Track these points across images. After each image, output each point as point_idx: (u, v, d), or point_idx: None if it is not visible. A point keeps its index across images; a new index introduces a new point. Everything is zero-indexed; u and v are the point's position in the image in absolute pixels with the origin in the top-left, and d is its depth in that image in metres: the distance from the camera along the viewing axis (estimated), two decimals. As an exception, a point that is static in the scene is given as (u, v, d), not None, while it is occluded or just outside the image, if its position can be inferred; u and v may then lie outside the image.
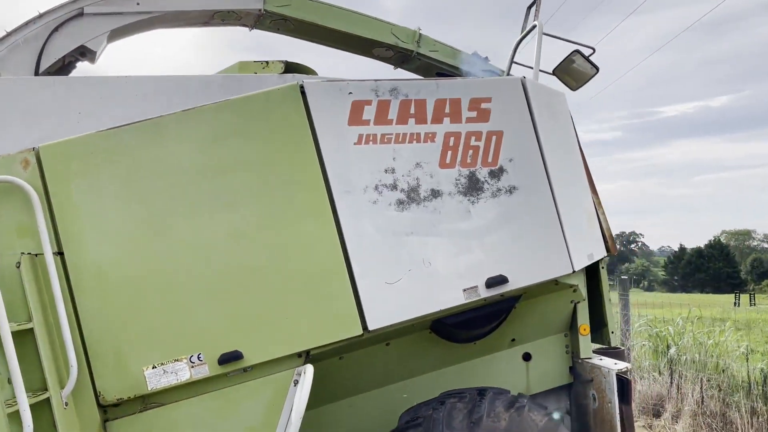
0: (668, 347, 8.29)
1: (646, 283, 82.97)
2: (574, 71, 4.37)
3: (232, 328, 3.27)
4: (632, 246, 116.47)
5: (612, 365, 3.67)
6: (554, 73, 4.47)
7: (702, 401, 6.98)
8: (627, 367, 3.66)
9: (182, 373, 3.27)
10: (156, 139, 3.28)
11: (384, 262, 3.37)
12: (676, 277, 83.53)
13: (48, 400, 3.05)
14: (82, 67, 4.26)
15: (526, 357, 3.95)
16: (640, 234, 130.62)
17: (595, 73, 4.37)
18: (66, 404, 3.16)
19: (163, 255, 3.24)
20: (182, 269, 3.25)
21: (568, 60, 4.33)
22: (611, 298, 4.17)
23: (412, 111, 3.45)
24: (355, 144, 3.38)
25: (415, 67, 4.86)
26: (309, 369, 2.96)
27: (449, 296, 3.43)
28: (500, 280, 3.45)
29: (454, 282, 3.43)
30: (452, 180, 3.48)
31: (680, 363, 7.81)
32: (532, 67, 4.08)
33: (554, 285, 3.69)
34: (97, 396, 3.21)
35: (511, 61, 4.52)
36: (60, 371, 3.17)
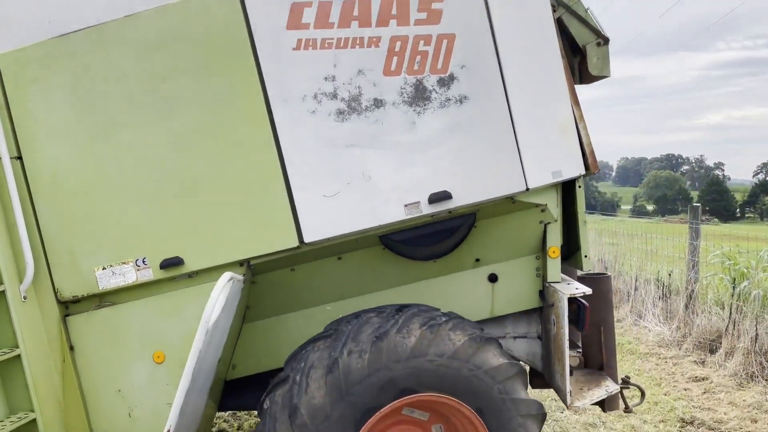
0: (736, 281, 7.64)
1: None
2: None
3: (173, 234, 3.33)
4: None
5: (569, 289, 3.41)
6: None
7: (756, 339, 6.43)
8: (584, 293, 3.39)
9: (129, 275, 3.40)
10: (101, 45, 3.30)
11: (322, 174, 3.27)
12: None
13: (4, 292, 3.28)
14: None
15: (492, 278, 3.76)
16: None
17: None
18: (25, 298, 3.38)
19: (109, 161, 3.32)
20: (127, 175, 3.32)
21: None
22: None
23: (356, 13, 3.23)
24: (293, 50, 3.23)
25: None
26: (224, 276, 2.96)
27: (389, 211, 3.29)
28: (443, 196, 3.27)
29: (395, 197, 3.29)
30: (397, 89, 3.27)
31: (747, 299, 7.19)
32: None
33: (512, 203, 3.44)
34: (55, 292, 3.41)
35: None
36: (20, 268, 3.38)
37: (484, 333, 3.09)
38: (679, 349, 7.42)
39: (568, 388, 3.30)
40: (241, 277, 3.23)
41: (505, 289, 3.75)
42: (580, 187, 3.64)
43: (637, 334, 8.24)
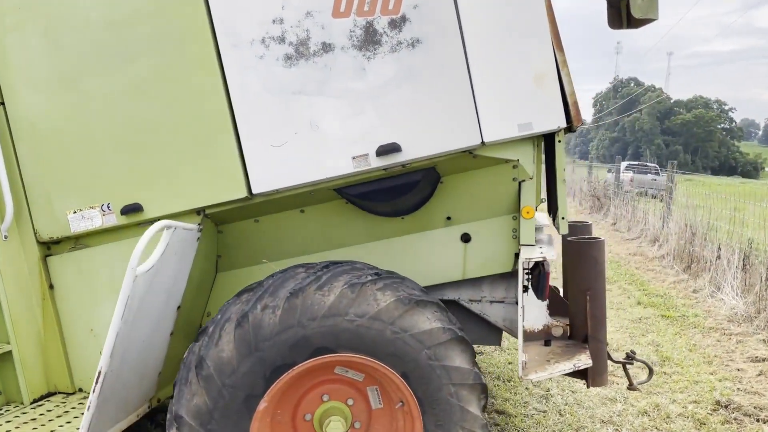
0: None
1: None
2: None
3: (133, 181, 3.37)
4: None
5: (530, 253, 3.12)
6: None
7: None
8: (544, 258, 3.08)
9: (96, 220, 3.49)
10: None
11: (270, 123, 3.16)
12: None
13: (-22, 230, 3.48)
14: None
15: (465, 238, 3.51)
16: None
17: None
18: (6, 237, 3.57)
19: (77, 107, 3.39)
20: (92, 121, 3.38)
21: None
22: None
23: (304, -49, 3.05)
24: (242, -8, 3.11)
25: None
26: (154, 226, 2.95)
27: (337, 164, 3.14)
28: (391, 148, 3.06)
29: (343, 148, 3.12)
30: (346, 32, 3.07)
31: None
32: None
33: (473, 158, 3.17)
34: (35, 234, 3.57)
35: None
36: (1, 209, 3.56)
37: (417, 295, 2.90)
38: (750, 324, 6.74)
39: (521, 358, 3.05)
40: (187, 226, 3.22)
41: (479, 250, 3.50)
42: (560, 141, 3.30)
43: (710, 307, 7.57)
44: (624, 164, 36.43)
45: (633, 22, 3.47)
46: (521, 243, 3.36)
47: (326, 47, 3.09)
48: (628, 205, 15.17)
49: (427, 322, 2.83)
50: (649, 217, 12.99)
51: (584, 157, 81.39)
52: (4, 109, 3.51)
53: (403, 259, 3.56)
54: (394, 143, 3.06)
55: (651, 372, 4.06)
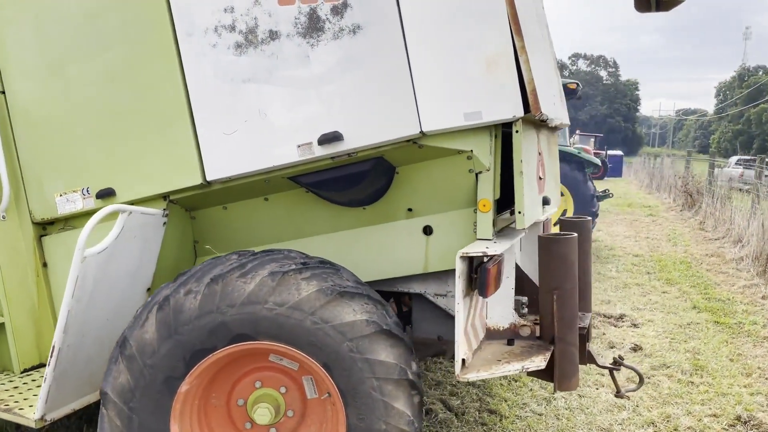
0: None
1: None
2: None
3: (107, 165, 3.52)
4: None
5: (469, 248, 2.98)
6: None
7: None
8: (483, 253, 2.93)
9: (78, 203, 3.68)
10: None
11: (222, 111, 3.21)
12: None
13: (-23, 209, 3.75)
14: None
15: (427, 231, 3.41)
16: None
17: None
18: (3, 217, 3.83)
19: (61, 94, 3.58)
20: (73, 107, 3.56)
21: None
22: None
23: (252, -62, 3.05)
24: (197, -19, 3.16)
25: None
26: (104, 210, 3.07)
27: (284, 152, 3.14)
28: (333, 137, 3.02)
29: (289, 136, 3.12)
30: (291, 19, 3.05)
31: None
32: None
33: (419, 149, 3.07)
34: (30, 214, 3.82)
35: None
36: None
37: (344, 287, 2.84)
38: (814, 337, 6.15)
39: (458, 355, 2.93)
40: (147, 211, 3.33)
41: (441, 243, 3.39)
42: (517, 132, 3.13)
43: (777, 315, 6.97)
44: (734, 159, 34.08)
45: (661, 5, 3.24)
46: (478, 237, 3.23)
47: (273, 35, 3.09)
48: (718, 202, 14.18)
49: (351, 314, 2.78)
50: (736, 216, 12.07)
51: (704, 150, 76.54)
52: (5, 97, 3.75)
53: (367, 250, 3.51)
54: (336, 132, 3.02)
55: (641, 380, 3.81)
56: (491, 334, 3.46)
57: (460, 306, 2.91)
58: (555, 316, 3.32)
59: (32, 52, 3.63)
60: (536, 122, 3.61)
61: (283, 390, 3.01)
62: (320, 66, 3.04)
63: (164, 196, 3.45)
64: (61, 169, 3.66)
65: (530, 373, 3.54)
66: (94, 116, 3.51)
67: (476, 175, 3.19)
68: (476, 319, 3.26)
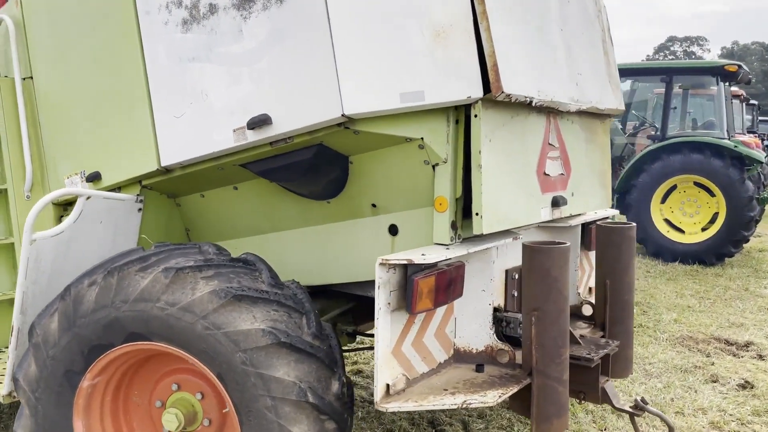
0: None
1: None
2: None
3: (95, 149, 3.51)
4: None
5: (395, 256, 2.47)
6: None
7: None
8: (409, 261, 2.41)
9: (78, 186, 3.73)
10: None
11: (173, 92, 3.02)
12: None
13: (6, 190, 3.94)
14: None
15: (393, 230, 2.95)
16: None
17: None
18: (28, 197, 4.01)
19: (65, 78, 3.64)
20: (73, 92, 3.60)
21: None
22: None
23: None
24: (151, -44, 3.00)
25: None
26: (51, 194, 3.05)
27: (222, 137, 2.87)
28: (260, 120, 2.69)
29: (226, 120, 2.84)
30: None
31: None
32: None
33: (354, 135, 2.63)
34: None
35: None
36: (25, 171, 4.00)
37: (245, 289, 2.49)
38: None
39: (379, 380, 2.47)
40: (112, 195, 3.26)
41: (406, 244, 2.92)
42: (476, 116, 2.58)
43: None
44: None
45: None
46: (434, 241, 2.73)
47: (212, 9, 2.83)
48: None
49: (248, 321, 2.45)
50: None
51: None
52: (32, 82, 3.89)
53: (336, 249, 3.15)
54: (264, 115, 2.69)
55: (671, 430, 3.04)
56: (461, 357, 2.92)
57: (380, 322, 2.45)
58: (533, 342, 2.72)
59: (47, 37, 3.71)
60: (550, 107, 3.00)
61: (199, 396, 2.76)
62: (251, 41, 2.72)
63: (139, 181, 3.35)
64: (67, 152, 3.71)
65: (514, 408, 2.97)
66: (85, 99, 3.50)
67: (433, 167, 2.69)
68: (427, 338, 2.76)
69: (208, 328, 2.46)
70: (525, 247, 2.75)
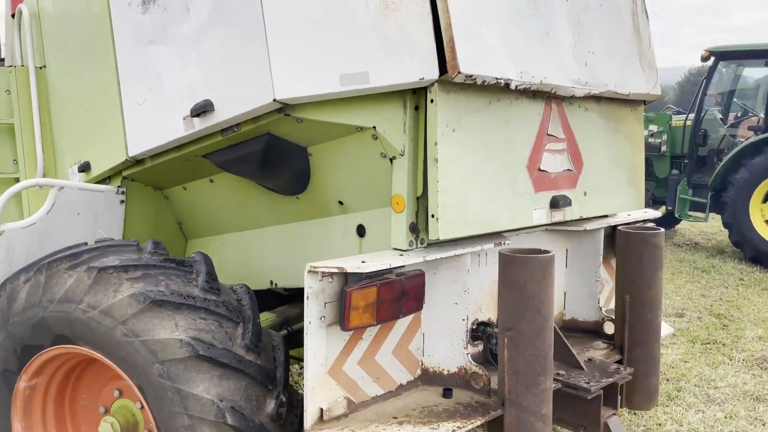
0: None
1: None
2: None
3: (86, 139, 3.43)
4: None
5: (327, 264, 2.13)
6: None
7: None
8: (339, 269, 2.06)
9: (75, 177, 3.67)
10: None
11: (137, 78, 2.84)
12: None
13: (19, 179, 3.95)
14: None
15: (360, 231, 2.61)
16: None
17: None
18: (41, 187, 4.01)
19: (66, 70, 3.58)
20: (72, 82, 3.53)
21: None
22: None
23: None
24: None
25: None
26: (26, 182, 2.95)
27: (175, 125, 2.65)
28: (202, 106, 2.44)
29: (177, 106, 2.62)
30: None
31: None
32: None
33: (297, 123, 2.31)
34: None
35: None
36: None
37: (167, 294, 2.23)
38: None
39: (309, 405, 2.15)
40: (86, 186, 3.15)
41: (374, 247, 2.59)
42: (432, 102, 2.20)
43: None
44: None
45: None
46: (392, 246, 2.38)
47: (165, -15, 2.61)
48: None
49: (168, 330, 2.21)
50: None
51: None
52: (46, 71, 3.87)
53: (308, 249, 2.87)
54: (206, 101, 2.44)
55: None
56: (430, 378, 2.55)
57: (310, 339, 2.14)
58: (505, 368, 2.32)
59: (55, 26, 3.66)
60: (552, 93, 2.57)
61: (139, 405, 2.56)
62: (196, 20, 2.48)
63: (120, 172, 3.22)
64: (70, 141, 3.66)
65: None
66: (79, 87, 3.43)
67: (391, 161, 2.34)
68: (382, 356, 2.41)
69: (126, 334, 2.24)
70: (500, 255, 2.33)
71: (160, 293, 2.26)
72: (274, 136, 2.46)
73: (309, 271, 2.12)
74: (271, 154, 2.52)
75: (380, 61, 2.15)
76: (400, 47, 2.15)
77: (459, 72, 2.11)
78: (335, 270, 2.10)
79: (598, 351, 3.02)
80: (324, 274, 2.14)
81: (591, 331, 3.19)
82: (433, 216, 2.24)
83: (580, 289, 3.18)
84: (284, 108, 2.23)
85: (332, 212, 2.74)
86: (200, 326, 2.25)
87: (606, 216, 3.20)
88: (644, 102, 3.20)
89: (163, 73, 2.67)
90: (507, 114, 2.46)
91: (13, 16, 3.97)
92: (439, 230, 2.23)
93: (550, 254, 2.29)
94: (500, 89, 2.38)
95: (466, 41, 2.14)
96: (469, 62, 2.13)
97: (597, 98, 2.89)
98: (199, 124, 2.51)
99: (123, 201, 3.28)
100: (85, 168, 3.39)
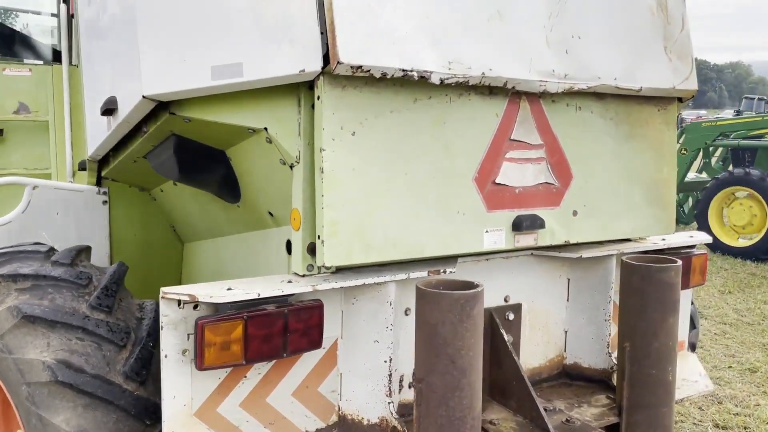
0: None
1: None
2: None
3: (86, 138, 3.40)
4: None
5: (181, 290, 1.78)
6: None
7: None
8: (192, 298, 1.71)
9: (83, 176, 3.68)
10: None
11: (99, 72, 2.70)
12: None
13: (50, 175, 4.05)
14: None
15: (288, 248, 2.25)
16: None
17: None
18: (71, 182, 4.08)
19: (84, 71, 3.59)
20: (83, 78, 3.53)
21: None
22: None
23: None
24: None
25: None
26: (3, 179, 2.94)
27: (105, 124, 2.47)
28: (107, 103, 2.25)
29: (102, 104, 2.43)
30: None
31: None
32: None
33: (185, 123, 2.00)
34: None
35: None
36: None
37: (39, 309, 2.01)
38: None
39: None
40: (60, 186, 3.09)
41: (298, 267, 2.24)
42: (318, 99, 1.80)
43: None
44: None
45: None
46: (291, 270, 2.02)
47: (95, -27, 2.43)
48: None
49: (39, 349, 2.01)
50: None
51: None
52: (80, 70, 3.93)
53: (257, 262, 2.59)
54: (110, 98, 2.22)
55: None
56: (349, 427, 2.14)
57: (166, 374, 1.84)
58: (415, 424, 1.88)
59: (84, 23, 3.68)
60: (511, 89, 2.09)
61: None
62: (105, 12, 2.26)
63: (99, 171, 3.14)
64: (84, 138, 3.67)
65: None
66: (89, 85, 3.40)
67: (291, 168, 1.98)
68: (277, 397, 2.04)
69: (2, 350, 2.08)
70: (416, 289, 1.88)
71: (36, 308, 2.07)
72: (181, 137, 2.19)
73: (163, 298, 1.82)
74: (186, 157, 2.25)
75: (255, 50, 1.80)
76: (279, 34, 1.78)
77: (339, 62, 1.70)
78: (184, 297, 1.78)
79: (593, 408, 2.43)
80: (169, 300, 1.82)
81: (597, 381, 2.60)
82: (318, 237, 1.85)
83: (586, 328, 2.60)
84: (165, 106, 1.94)
85: (267, 224, 2.42)
86: (73, 347, 2.03)
87: (627, 240, 2.59)
88: (680, 99, 2.54)
89: (101, 67, 2.51)
90: (442, 115, 2.00)
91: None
92: (325, 255, 1.84)
93: (473, 291, 1.80)
94: (431, 85, 1.92)
95: (352, 24, 1.72)
96: (355, 50, 1.72)
97: (598, 95, 2.31)
98: (113, 124, 2.30)
99: (106, 201, 3.18)
100: (82, 167, 3.36)
